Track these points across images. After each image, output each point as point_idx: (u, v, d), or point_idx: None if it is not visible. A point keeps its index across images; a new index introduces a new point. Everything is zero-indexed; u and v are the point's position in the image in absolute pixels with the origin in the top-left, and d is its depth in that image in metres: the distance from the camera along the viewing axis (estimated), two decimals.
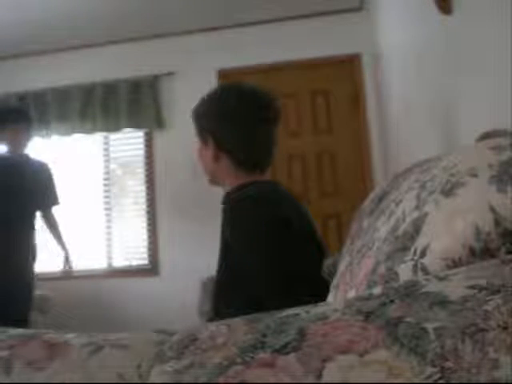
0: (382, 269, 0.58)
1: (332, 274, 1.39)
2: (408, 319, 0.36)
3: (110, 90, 3.98)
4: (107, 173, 4.10)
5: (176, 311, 3.52)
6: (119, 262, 4.04)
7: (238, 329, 0.39)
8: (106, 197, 4.09)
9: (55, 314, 3.44)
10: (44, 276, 3.66)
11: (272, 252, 1.12)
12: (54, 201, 3.09)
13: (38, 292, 3.34)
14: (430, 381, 0.31)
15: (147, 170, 4.01)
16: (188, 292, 3.43)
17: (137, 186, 4.07)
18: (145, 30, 3.91)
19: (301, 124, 3.82)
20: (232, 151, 1.28)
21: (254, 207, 1.17)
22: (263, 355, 0.35)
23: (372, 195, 0.87)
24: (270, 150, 1.33)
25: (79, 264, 3.83)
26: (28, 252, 2.77)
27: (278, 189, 1.33)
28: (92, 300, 3.82)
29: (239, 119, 1.27)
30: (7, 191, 2.68)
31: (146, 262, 3.96)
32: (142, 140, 4.06)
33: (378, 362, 0.33)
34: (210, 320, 1.18)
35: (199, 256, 3.54)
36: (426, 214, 0.57)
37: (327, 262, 1.26)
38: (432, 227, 0.55)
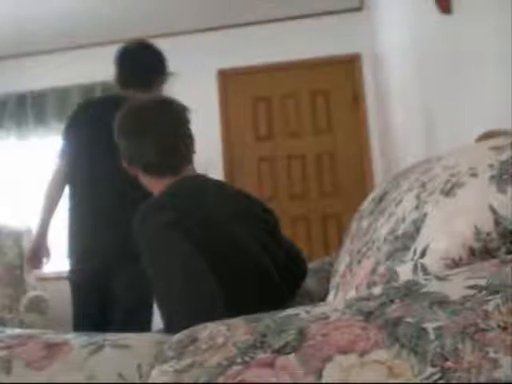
0: (381, 269, 0.58)
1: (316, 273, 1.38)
2: (408, 319, 0.36)
3: (109, 90, 3.97)
4: None
5: None
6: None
7: (238, 329, 0.39)
8: None
9: (54, 315, 3.43)
10: (43, 276, 3.65)
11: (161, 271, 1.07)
12: None
13: (35, 292, 3.34)
14: (429, 381, 0.31)
15: None
16: None
17: None
18: (145, 30, 3.90)
19: (301, 124, 3.82)
20: (132, 163, 1.29)
21: (140, 223, 1.12)
22: (263, 355, 0.35)
23: (372, 195, 0.87)
24: (168, 150, 1.27)
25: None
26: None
27: (186, 187, 1.24)
28: None
29: (124, 131, 1.28)
30: None
31: None
32: None
33: (378, 361, 0.33)
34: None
35: None
36: (425, 214, 0.57)
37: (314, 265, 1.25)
38: (432, 227, 0.55)
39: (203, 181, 1.29)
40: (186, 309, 1.00)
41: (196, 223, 1.11)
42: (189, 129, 1.32)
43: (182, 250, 1.06)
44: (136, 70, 2.01)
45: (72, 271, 1.98)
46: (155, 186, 1.27)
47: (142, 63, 2.02)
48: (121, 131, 1.29)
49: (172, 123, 1.29)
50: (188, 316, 0.99)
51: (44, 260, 2.11)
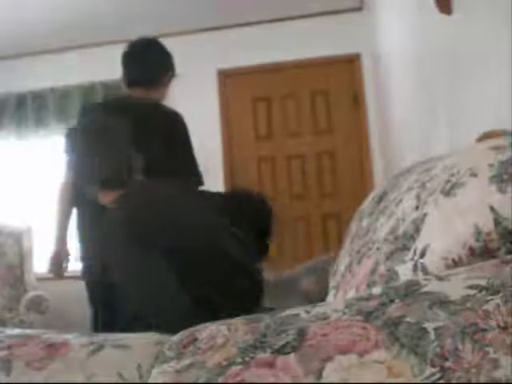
0: (382, 269, 0.58)
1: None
2: (408, 319, 0.36)
3: (109, 90, 3.97)
4: None
5: None
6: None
7: (238, 329, 0.39)
8: None
9: (54, 315, 3.43)
10: (43, 276, 3.65)
11: None
12: None
13: (35, 292, 3.34)
14: (429, 381, 0.31)
15: None
16: None
17: None
18: (145, 30, 3.90)
19: (301, 124, 3.82)
20: None
21: None
22: (263, 355, 0.35)
23: (372, 195, 0.87)
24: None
25: (79, 264, 3.82)
26: None
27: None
28: None
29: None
30: None
31: None
32: None
33: (378, 361, 0.33)
34: None
35: None
36: (425, 214, 0.57)
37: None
38: (432, 227, 0.55)
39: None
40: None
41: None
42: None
43: None
44: (140, 68, 1.94)
45: (85, 271, 2.04)
46: None
47: (146, 61, 1.95)
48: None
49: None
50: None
51: (64, 265, 2.19)
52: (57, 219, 2.19)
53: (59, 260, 2.19)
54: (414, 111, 2.29)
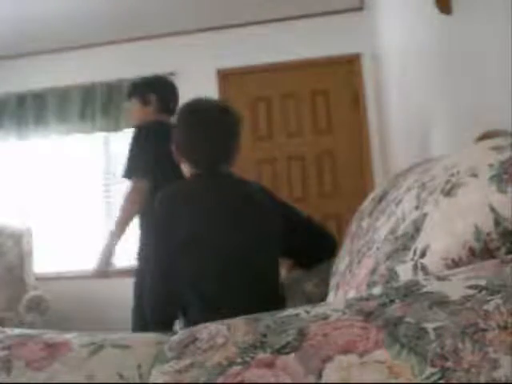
0: (382, 269, 0.58)
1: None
2: (408, 319, 0.36)
3: (109, 90, 3.98)
4: (107, 173, 4.10)
5: None
6: (119, 262, 4.03)
7: (238, 329, 0.39)
8: (106, 197, 4.08)
9: (54, 315, 3.43)
10: (43, 276, 3.66)
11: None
12: None
13: (35, 292, 3.34)
14: (429, 381, 0.31)
15: None
16: None
17: None
18: (145, 30, 3.91)
19: (301, 124, 3.82)
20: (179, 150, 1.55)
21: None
22: (263, 355, 0.35)
23: (372, 195, 0.87)
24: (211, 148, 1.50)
25: (79, 264, 3.83)
26: None
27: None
28: (91, 300, 3.82)
29: (184, 123, 1.54)
30: None
31: None
32: None
33: (378, 361, 0.33)
34: None
35: None
36: (425, 214, 0.57)
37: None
38: (432, 227, 0.55)
39: (204, 180, 1.49)
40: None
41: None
42: (233, 134, 1.56)
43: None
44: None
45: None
46: (188, 173, 1.53)
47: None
48: (181, 122, 1.54)
49: (221, 128, 1.52)
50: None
51: (111, 263, 2.34)
52: (121, 218, 2.30)
53: (109, 256, 2.30)
54: (414, 111, 2.29)
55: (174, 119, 1.60)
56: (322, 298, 1.05)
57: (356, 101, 3.74)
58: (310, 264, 1.53)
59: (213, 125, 1.49)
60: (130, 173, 2.24)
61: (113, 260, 2.33)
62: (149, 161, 2.16)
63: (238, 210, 1.40)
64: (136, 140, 2.26)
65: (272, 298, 1.37)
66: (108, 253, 2.29)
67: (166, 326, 1.32)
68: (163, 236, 1.35)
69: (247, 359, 0.35)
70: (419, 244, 0.54)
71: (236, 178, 1.55)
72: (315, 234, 1.54)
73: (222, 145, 1.50)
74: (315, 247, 1.51)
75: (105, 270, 2.31)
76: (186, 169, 1.52)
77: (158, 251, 1.36)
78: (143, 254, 2.16)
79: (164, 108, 2.39)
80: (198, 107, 1.54)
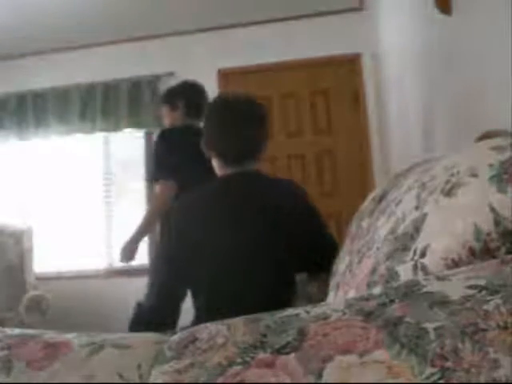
0: (382, 269, 0.58)
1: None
2: (408, 319, 0.36)
3: (109, 89, 3.97)
4: (107, 173, 4.10)
5: None
6: (119, 262, 4.03)
7: (238, 329, 0.39)
8: (106, 197, 4.08)
9: (54, 315, 3.43)
10: (43, 276, 3.65)
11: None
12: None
13: (35, 292, 3.33)
14: (429, 381, 0.31)
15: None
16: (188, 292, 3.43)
17: (137, 186, 4.06)
18: (145, 30, 3.90)
19: (301, 124, 3.82)
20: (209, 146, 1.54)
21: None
22: (263, 355, 0.35)
23: (372, 195, 0.87)
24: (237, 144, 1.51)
25: (79, 264, 3.83)
26: None
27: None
28: (92, 300, 3.82)
29: (213, 119, 1.55)
30: None
31: (145, 262, 3.95)
32: (142, 140, 4.06)
33: (378, 361, 0.33)
34: None
35: None
36: (425, 214, 0.57)
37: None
38: (432, 227, 0.55)
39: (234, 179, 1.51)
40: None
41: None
42: (260, 126, 1.59)
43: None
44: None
45: None
46: (219, 171, 1.53)
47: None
48: (208, 115, 1.55)
49: (248, 122, 1.53)
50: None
51: (135, 254, 2.50)
52: (149, 216, 2.45)
53: (133, 248, 2.46)
54: (414, 111, 2.29)
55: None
56: (321, 298, 1.05)
57: (356, 100, 3.74)
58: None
59: (240, 117, 1.51)
60: (155, 175, 2.39)
61: (135, 255, 2.49)
62: (174, 163, 2.27)
63: (242, 222, 1.41)
64: (159, 144, 2.41)
65: (272, 304, 1.38)
66: (132, 247, 2.46)
67: (166, 326, 1.34)
68: (175, 244, 1.42)
69: (247, 359, 0.35)
70: (419, 244, 0.54)
71: (263, 178, 1.55)
72: (317, 263, 1.52)
73: (249, 136, 1.51)
74: (315, 266, 1.54)
75: (128, 263, 2.50)
76: (215, 164, 1.54)
77: (169, 254, 1.43)
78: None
79: (191, 112, 2.52)
80: (226, 100, 1.57)
